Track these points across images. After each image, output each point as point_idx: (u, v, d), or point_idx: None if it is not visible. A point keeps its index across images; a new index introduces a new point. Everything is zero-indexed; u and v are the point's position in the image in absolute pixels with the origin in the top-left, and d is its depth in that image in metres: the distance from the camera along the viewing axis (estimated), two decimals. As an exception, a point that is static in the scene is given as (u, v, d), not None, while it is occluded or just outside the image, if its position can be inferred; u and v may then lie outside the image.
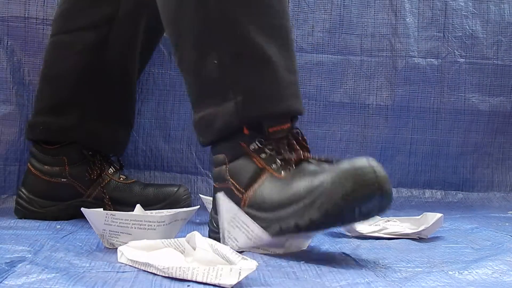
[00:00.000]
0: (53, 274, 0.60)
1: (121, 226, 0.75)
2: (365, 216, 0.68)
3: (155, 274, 0.62)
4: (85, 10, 1.06)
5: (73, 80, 1.06)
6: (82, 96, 1.06)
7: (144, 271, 0.63)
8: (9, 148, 1.24)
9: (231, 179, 0.78)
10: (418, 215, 0.95)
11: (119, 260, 0.68)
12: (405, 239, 0.88)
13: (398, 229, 0.91)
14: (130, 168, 1.31)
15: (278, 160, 0.75)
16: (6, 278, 0.58)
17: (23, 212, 1.06)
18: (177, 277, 0.59)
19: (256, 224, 0.73)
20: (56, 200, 1.06)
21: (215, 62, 0.76)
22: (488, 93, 1.45)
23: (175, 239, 0.69)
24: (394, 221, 0.94)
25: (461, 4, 1.45)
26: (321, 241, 0.84)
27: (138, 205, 0.87)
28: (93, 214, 0.76)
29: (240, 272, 0.56)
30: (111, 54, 1.06)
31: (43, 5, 1.25)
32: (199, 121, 0.81)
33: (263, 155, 0.76)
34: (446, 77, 1.44)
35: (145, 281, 0.59)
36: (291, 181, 0.72)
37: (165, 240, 0.69)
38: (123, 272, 0.63)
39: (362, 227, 0.91)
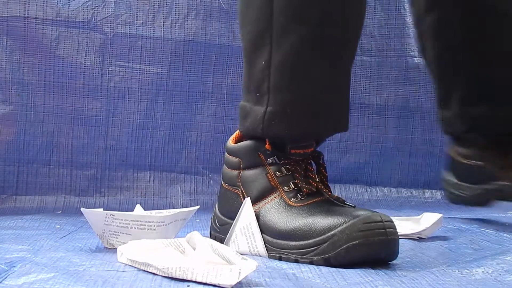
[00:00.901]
0: (53, 274, 0.60)
1: (121, 227, 0.75)
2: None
3: (155, 274, 0.62)
4: None
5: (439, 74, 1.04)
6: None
7: (144, 270, 0.63)
8: (8, 148, 1.24)
9: (241, 187, 0.77)
10: (418, 215, 0.94)
11: (119, 260, 0.68)
12: (405, 239, 0.88)
13: (398, 229, 0.91)
14: (130, 168, 1.31)
15: (292, 184, 0.74)
16: (6, 278, 0.58)
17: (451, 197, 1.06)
18: (177, 277, 0.59)
19: (263, 243, 0.73)
20: (474, 182, 1.04)
21: (263, 63, 0.74)
22: (488, 93, 1.45)
23: (175, 239, 0.69)
24: (394, 221, 0.94)
25: (461, 4, 1.44)
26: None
27: (138, 205, 0.87)
28: (93, 214, 0.75)
29: (240, 272, 0.56)
30: None
31: (43, 5, 1.25)
32: (240, 108, 0.80)
33: (278, 173, 0.75)
34: (446, 77, 1.44)
35: (145, 280, 0.59)
36: (299, 214, 0.71)
37: (165, 240, 0.69)
38: (123, 271, 0.63)
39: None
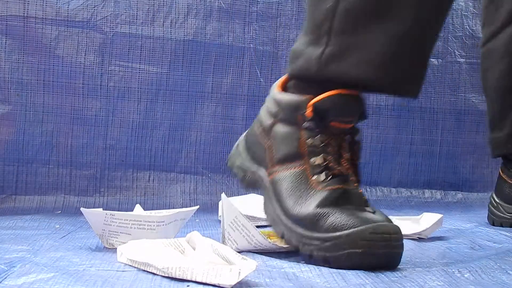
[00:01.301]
0: (53, 274, 0.59)
1: (121, 226, 0.75)
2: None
3: (154, 274, 0.61)
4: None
5: (501, 91, 1.05)
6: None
7: (144, 270, 0.63)
8: (8, 148, 1.24)
9: (271, 140, 0.75)
10: (418, 215, 0.94)
11: (118, 260, 0.68)
12: (405, 239, 0.87)
13: (398, 229, 0.91)
14: (129, 168, 1.31)
15: (321, 158, 0.71)
16: (5, 278, 0.58)
17: (492, 218, 1.07)
18: (177, 277, 0.59)
19: (257, 230, 0.72)
20: None
21: (328, 6, 0.70)
22: (488, 93, 1.45)
23: (175, 239, 0.69)
24: (394, 221, 0.94)
25: (461, 4, 1.44)
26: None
27: (137, 205, 0.87)
28: (92, 214, 0.75)
29: (239, 272, 0.56)
30: None
31: (43, 4, 1.24)
32: (291, 51, 0.76)
33: (309, 141, 0.71)
34: (446, 77, 1.44)
35: (145, 280, 0.59)
36: (314, 200, 0.69)
37: (165, 240, 0.69)
38: (122, 271, 0.63)
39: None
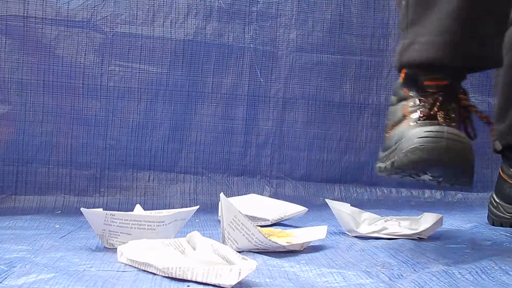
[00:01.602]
0: (53, 274, 0.59)
1: (121, 226, 0.75)
2: (433, 178, 0.74)
3: (155, 274, 0.61)
4: None
5: (506, 85, 1.06)
6: None
7: (144, 270, 0.63)
8: (8, 148, 1.24)
9: (388, 118, 0.84)
10: (418, 215, 0.94)
11: (119, 260, 0.68)
12: (405, 239, 0.88)
13: (398, 229, 0.91)
14: (129, 168, 1.31)
15: (417, 113, 0.77)
16: (5, 278, 0.58)
17: (492, 218, 1.06)
18: (177, 277, 0.59)
19: (257, 228, 0.73)
20: None
21: (403, 2, 0.80)
22: (488, 93, 1.45)
23: (175, 239, 0.69)
24: (394, 221, 0.94)
25: (460, 4, 1.45)
26: (321, 241, 0.84)
27: (137, 205, 0.87)
28: (93, 214, 0.75)
29: (240, 272, 0.56)
30: None
31: (42, 4, 1.24)
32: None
33: (410, 104, 0.79)
34: (446, 77, 1.44)
35: (145, 280, 0.59)
36: (401, 133, 0.76)
37: (165, 240, 0.69)
38: (123, 271, 0.63)
39: (362, 227, 0.91)
